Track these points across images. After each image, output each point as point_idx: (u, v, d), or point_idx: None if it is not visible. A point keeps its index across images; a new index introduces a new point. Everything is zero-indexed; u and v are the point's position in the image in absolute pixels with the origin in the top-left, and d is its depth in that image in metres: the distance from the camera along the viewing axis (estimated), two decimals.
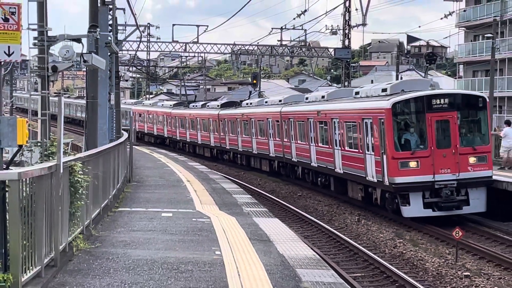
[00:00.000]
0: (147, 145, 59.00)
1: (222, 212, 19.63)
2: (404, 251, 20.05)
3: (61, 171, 11.26)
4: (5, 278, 8.51)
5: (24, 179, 9.14)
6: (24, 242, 9.17)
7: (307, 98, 36.03)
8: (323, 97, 33.17)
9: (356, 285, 15.35)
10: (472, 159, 22.21)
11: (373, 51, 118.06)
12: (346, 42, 46.68)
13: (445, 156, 21.88)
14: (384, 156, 22.76)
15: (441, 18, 73.73)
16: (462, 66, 62.13)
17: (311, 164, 32.31)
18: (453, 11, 53.63)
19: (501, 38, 54.48)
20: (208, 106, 52.63)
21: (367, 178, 24.92)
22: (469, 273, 17.21)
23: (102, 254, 12.62)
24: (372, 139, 24.15)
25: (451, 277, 16.86)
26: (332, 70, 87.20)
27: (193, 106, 56.73)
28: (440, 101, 22.28)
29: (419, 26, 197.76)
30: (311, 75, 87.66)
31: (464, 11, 61.61)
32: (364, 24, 46.20)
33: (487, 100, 23.95)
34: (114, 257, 12.30)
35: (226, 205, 21.35)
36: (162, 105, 66.08)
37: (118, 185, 22.20)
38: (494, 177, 23.94)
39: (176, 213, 18.86)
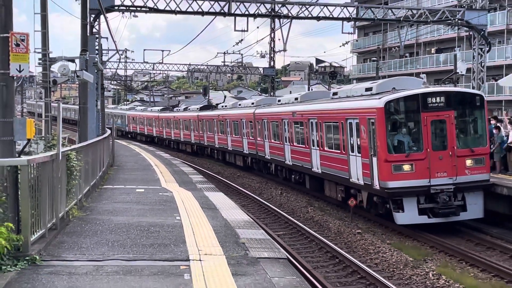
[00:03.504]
0: (139, 143, 60.39)
1: (181, 188, 20.90)
2: (314, 216, 22.40)
3: (60, 158, 11.75)
4: (18, 238, 9.22)
5: (31, 164, 9.88)
6: (32, 211, 9.73)
7: (279, 101, 33.45)
8: (296, 99, 30.02)
9: (279, 240, 16.98)
10: (469, 162, 18.42)
11: (291, 69, 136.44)
12: (272, 63, 55.09)
13: (441, 158, 18.07)
14: (375, 159, 18.68)
15: (340, 46, 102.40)
16: (355, 81, 68.17)
17: (285, 162, 29.24)
18: (349, 41, 60.31)
19: (382, 61, 63.66)
20: (189, 109, 54.99)
21: (350, 180, 20.92)
22: (360, 231, 19.34)
23: (91, 220, 13.48)
24: (358, 140, 20.08)
25: (348, 233, 19.14)
26: (261, 84, 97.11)
27: (177, 109, 60.17)
28: (436, 99, 18.28)
29: (324, 52, 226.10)
30: (246, 87, 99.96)
31: (356, 41, 70.84)
32: (284, 50, 53.21)
33: (485, 98, 19.51)
34: (101, 222, 13.17)
35: (184, 183, 22.88)
36: (151, 110, 69.45)
37: (103, 168, 23.63)
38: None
39: (147, 189, 20.11)
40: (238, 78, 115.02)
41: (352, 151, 20.64)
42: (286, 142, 28.95)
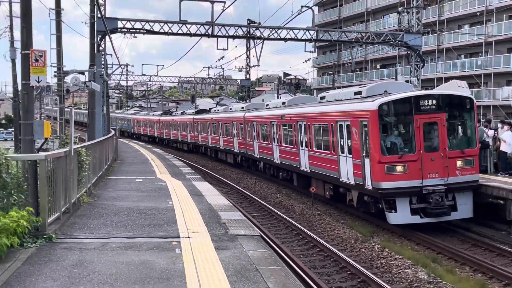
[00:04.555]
0: (140, 142, 59.45)
1: (173, 178, 20.83)
2: (282, 200, 22.56)
3: (72, 154, 11.68)
4: (37, 220, 9.19)
5: (48, 159, 9.80)
6: (49, 198, 9.66)
7: (267, 105, 31.13)
8: (284, 103, 28.05)
9: (254, 220, 17.04)
10: (460, 163, 16.11)
11: (263, 81, 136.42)
12: (247, 76, 55.03)
13: (433, 160, 15.74)
14: (367, 160, 16.25)
15: (303, 62, 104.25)
16: (315, 91, 69.70)
17: (274, 160, 26.90)
18: (310, 58, 62.49)
19: (337, 75, 63.85)
20: (185, 113, 53.48)
21: (340, 179, 18.48)
22: (319, 213, 19.39)
23: (98, 204, 13.39)
24: (349, 141, 17.69)
25: (309, 215, 19.20)
26: (239, 93, 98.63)
27: (175, 113, 59.07)
28: (428, 102, 16.01)
29: (290, 67, 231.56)
30: (226, 96, 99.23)
31: (316, 58, 70.74)
32: (258, 65, 56.80)
33: (475, 101, 17.22)
34: (106, 206, 13.11)
35: (176, 174, 22.82)
36: (153, 114, 68.60)
37: (109, 162, 23.48)
38: None
39: (144, 179, 20.04)
40: (220, 88, 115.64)
41: (342, 152, 18.31)
42: (274, 142, 26.62)
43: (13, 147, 24.16)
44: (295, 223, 17.28)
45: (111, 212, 12.49)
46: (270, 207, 20.51)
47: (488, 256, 13.78)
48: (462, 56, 51.49)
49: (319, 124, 20.64)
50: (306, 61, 69.59)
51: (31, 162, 9.74)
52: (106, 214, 12.22)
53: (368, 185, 16.23)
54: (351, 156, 17.40)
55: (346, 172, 17.85)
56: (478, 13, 48.88)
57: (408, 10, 38.51)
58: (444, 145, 15.92)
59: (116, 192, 16.26)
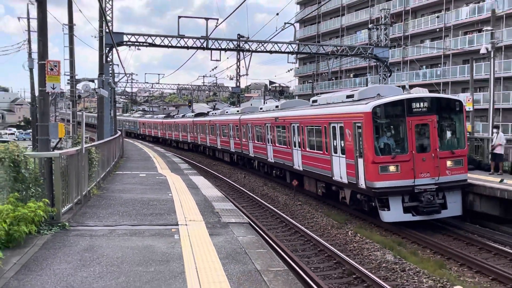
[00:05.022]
0: (148, 142, 58.37)
1: (172, 173, 20.72)
2: (268, 192, 22.45)
3: (83, 152, 11.71)
4: (52, 210, 9.17)
5: (62, 156, 9.77)
6: (63, 190, 9.61)
7: (261, 108, 29.62)
8: (277, 106, 26.46)
9: (243, 210, 17.00)
10: (449, 163, 14.99)
11: (252, 88, 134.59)
12: (238, 84, 54.38)
13: (424, 160, 14.61)
14: (361, 160, 14.98)
15: (286, 72, 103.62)
16: (297, 97, 67.68)
17: (268, 159, 25.53)
18: (292, 68, 61.74)
19: (316, 83, 63.76)
20: (186, 116, 51.89)
21: (333, 178, 17.18)
22: (300, 203, 19.38)
23: (106, 196, 13.33)
24: (342, 142, 16.34)
25: (292, 205, 19.18)
26: (230, 98, 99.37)
27: (176, 116, 57.93)
28: (420, 104, 14.84)
29: (275, 76, 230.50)
30: (219, 101, 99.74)
31: (298, 68, 70.41)
32: (247, 74, 59.24)
33: (464, 104, 16.28)
34: (113, 198, 13.05)
35: (175, 170, 22.69)
36: (157, 117, 67.20)
37: (115, 159, 23.28)
38: None
39: (147, 174, 19.93)
40: (214, 94, 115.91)
41: (335, 152, 16.97)
42: (268, 143, 25.16)
43: (31, 146, 23.97)
44: (279, 212, 17.31)
45: (118, 203, 12.44)
46: (257, 198, 20.51)
47: (446, 240, 13.90)
48: (424, 66, 51.89)
49: (312, 126, 19.28)
50: (289, 71, 69.82)
51: (47, 159, 9.68)
52: (114, 204, 12.16)
53: (362, 184, 15.06)
54: (344, 156, 16.21)
55: (339, 171, 16.65)
56: (438, 30, 49.38)
57: (377, 27, 38.79)
58: (435, 146, 14.84)
59: (122, 185, 16.19)
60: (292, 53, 35.38)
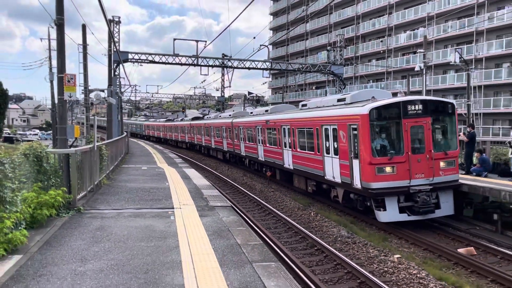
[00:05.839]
0: (151, 142, 56.49)
1: (169, 166, 20.47)
2: (247, 182, 22.31)
3: (95, 149, 11.62)
4: (69, 197, 9.02)
5: (78, 153, 9.58)
6: (78, 181, 9.46)
7: (251, 113, 27.11)
8: (266, 111, 24.33)
9: (227, 196, 16.66)
10: (443, 164, 12.84)
11: (233, 97, 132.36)
12: (222, 94, 54.38)
13: (419, 161, 12.49)
14: (356, 161, 12.83)
15: (262, 84, 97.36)
16: (270, 105, 69.23)
17: (258, 158, 23.10)
18: (266, 81, 63.02)
19: (286, 93, 64.16)
20: (184, 119, 50.29)
21: (325, 178, 14.99)
22: (273, 190, 19.34)
23: (114, 185, 13.14)
24: (335, 144, 14.07)
25: (266, 191, 19.10)
26: (217, 106, 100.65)
27: (176, 120, 56.50)
28: (415, 107, 12.72)
29: (253, 87, 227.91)
30: (207, 108, 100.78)
31: (271, 81, 70.26)
32: (230, 86, 64.72)
33: (456, 106, 13.75)
34: (120, 187, 12.88)
35: (171, 163, 22.40)
36: (159, 121, 65.60)
37: (122, 155, 22.96)
38: None
39: (148, 167, 19.64)
40: (203, 102, 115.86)
41: (328, 153, 14.74)
42: (259, 143, 22.79)
43: (51, 144, 23.51)
44: (256, 197, 17.29)
45: (124, 190, 12.28)
46: (238, 186, 20.45)
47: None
48: (371, 81, 52.66)
49: (303, 128, 16.93)
50: (263, 83, 70.67)
51: (65, 155, 9.50)
52: (120, 192, 12.00)
53: (357, 184, 12.82)
54: (337, 157, 13.96)
55: (332, 171, 14.46)
56: (382, 51, 50.25)
57: (334, 48, 39.28)
58: (429, 147, 12.63)
59: (128, 176, 15.97)
60: (266, 69, 35.56)
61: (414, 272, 8.92)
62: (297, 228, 12.37)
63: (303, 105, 18.92)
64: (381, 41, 49.62)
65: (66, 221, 8.35)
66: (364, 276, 8.51)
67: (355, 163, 12.94)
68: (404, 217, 12.29)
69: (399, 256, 9.90)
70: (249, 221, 12.84)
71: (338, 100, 15.66)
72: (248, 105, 58.75)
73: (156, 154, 30.27)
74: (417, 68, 31.01)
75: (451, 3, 41.73)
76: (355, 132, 12.90)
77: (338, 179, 14.07)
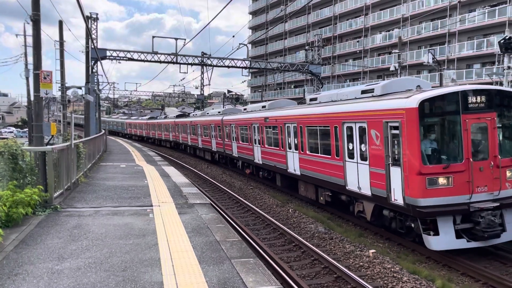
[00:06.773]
0: (132, 141, 54.55)
1: (148, 164, 20.32)
2: (226, 180, 22.12)
3: (72, 147, 11.40)
4: (46, 195, 8.85)
5: (54, 150, 9.44)
6: (55, 179, 9.30)
7: (245, 109, 23.72)
8: (263, 106, 20.65)
9: (205, 193, 16.85)
10: (509, 173, 9.43)
11: (213, 95, 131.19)
12: (202, 92, 53.79)
13: (482, 170, 9.12)
14: (396, 169, 9.52)
15: (241, 83, 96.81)
16: (250, 103, 67.70)
17: (254, 160, 20.13)
18: (246, 80, 63.72)
19: (265, 91, 64.31)
20: (168, 117, 47.77)
21: (346, 188, 11.77)
22: (252, 187, 19.29)
23: (92, 183, 12.94)
24: (363, 146, 10.81)
25: (245, 189, 18.91)
26: (196, 104, 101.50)
27: (159, 117, 54.02)
28: (477, 99, 9.21)
29: (232, 86, 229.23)
30: (187, 106, 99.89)
31: (250, 80, 70.45)
32: (209, 84, 61.74)
33: None
34: (98, 185, 12.69)
35: (150, 161, 22.27)
36: (141, 118, 63.18)
37: (100, 153, 22.64)
38: None
39: (127, 165, 19.40)
40: (182, 100, 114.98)
41: (351, 157, 11.51)
42: (256, 143, 19.71)
43: (27, 142, 22.92)
44: (235, 195, 17.28)
45: (102, 188, 12.10)
46: (217, 184, 20.36)
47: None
48: (348, 80, 53.33)
49: (315, 126, 13.64)
50: (243, 82, 70.40)
51: (41, 153, 9.30)
52: (98, 190, 11.82)
53: (396, 199, 9.69)
54: (366, 163, 10.78)
55: (357, 180, 11.31)
56: (358, 51, 50.96)
57: (312, 48, 39.62)
58: (494, 152, 9.39)
59: (106, 174, 15.74)
60: (245, 68, 35.53)
61: (388, 266, 9.10)
62: (276, 224, 12.44)
63: (311, 99, 15.29)
64: (358, 42, 50.33)
65: (42, 220, 8.17)
66: (341, 271, 8.63)
67: (395, 171, 9.67)
68: (463, 243, 9.07)
69: (374, 251, 10.08)
70: (228, 218, 12.84)
71: (363, 92, 12.18)
72: (228, 103, 58.59)
73: (135, 152, 29.94)
74: (392, 68, 31.60)
75: (425, 5, 42.62)
76: (396, 131, 9.59)
77: (366, 191, 10.83)
